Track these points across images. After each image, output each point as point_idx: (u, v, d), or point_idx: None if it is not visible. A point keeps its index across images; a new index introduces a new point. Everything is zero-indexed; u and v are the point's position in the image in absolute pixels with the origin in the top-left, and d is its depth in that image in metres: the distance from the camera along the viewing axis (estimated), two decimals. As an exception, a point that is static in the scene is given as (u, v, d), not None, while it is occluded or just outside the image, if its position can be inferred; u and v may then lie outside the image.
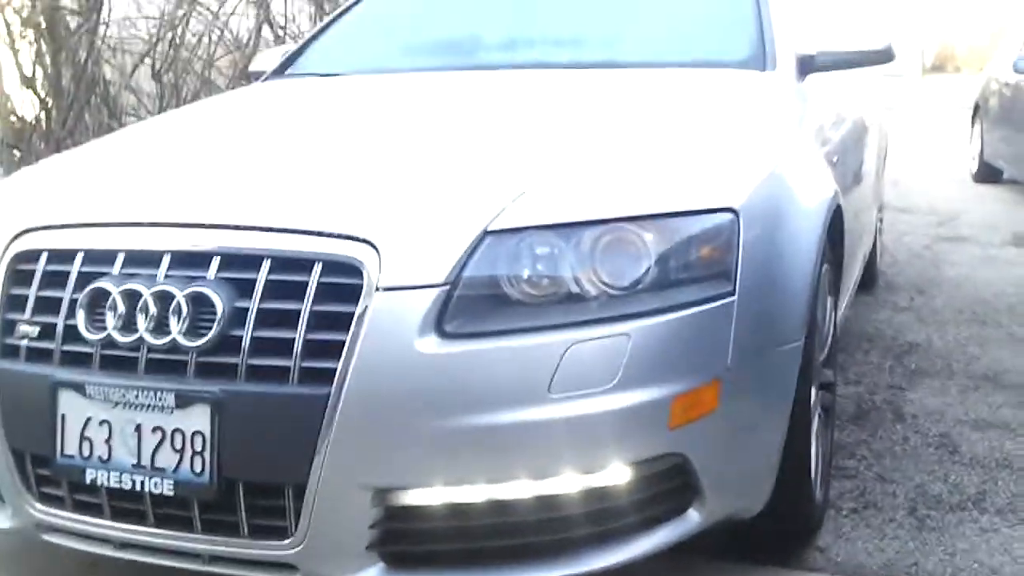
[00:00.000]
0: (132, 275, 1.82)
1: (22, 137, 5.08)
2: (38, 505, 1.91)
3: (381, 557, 1.74)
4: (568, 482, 1.73)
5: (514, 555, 1.77)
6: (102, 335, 1.79)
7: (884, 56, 2.92)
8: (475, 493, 1.71)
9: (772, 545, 2.25)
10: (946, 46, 36.57)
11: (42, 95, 5.00)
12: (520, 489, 1.72)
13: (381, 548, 1.74)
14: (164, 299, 1.76)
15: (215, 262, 1.78)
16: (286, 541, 1.73)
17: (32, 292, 1.90)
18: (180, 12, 5.63)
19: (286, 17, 7.10)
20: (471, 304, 1.73)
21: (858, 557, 2.27)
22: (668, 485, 1.83)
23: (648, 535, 1.82)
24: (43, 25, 4.96)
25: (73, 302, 1.84)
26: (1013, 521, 2.44)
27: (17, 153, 5.01)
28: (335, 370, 1.68)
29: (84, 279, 1.85)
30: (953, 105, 16.01)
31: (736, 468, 1.93)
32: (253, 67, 3.64)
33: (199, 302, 1.75)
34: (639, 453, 1.76)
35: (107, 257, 1.86)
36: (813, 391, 2.24)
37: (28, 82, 4.94)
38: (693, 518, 1.86)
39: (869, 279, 4.67)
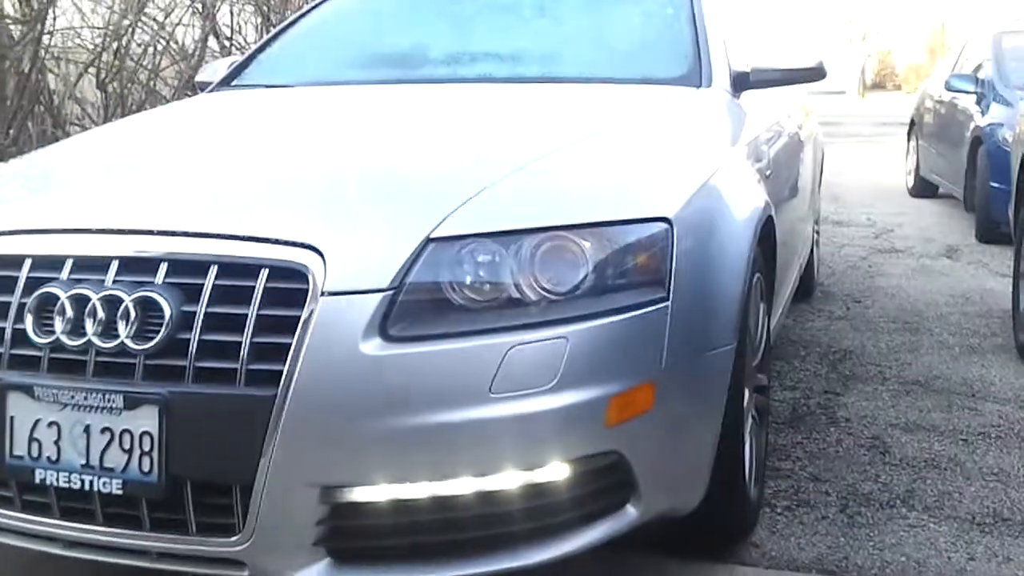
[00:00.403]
0: (80, 280, 1.85)
1: (-37, 146, 5.02)
2: (-14, 506, 1.93)
3: (328, 553, 1.79)
4: (509, 479, 1.79)
5: (457, 550, 1.82)
6: (51, 339, 1.82)
7: (816, 74, 3.04)
8: (419, 490, 1.77)
9: (708, 541, 2.33)
10: (885, 64, 37.37)
11: (-16, 104, 4.96)
12: (462, 486, 1.77)
13: (328, 544, 1.78)
14: (112, 303, 1.80)
15: (163, 267, 1.82)
16: (234, 538, 1.77)
17: (-21, 297, 1.92)
18: (126, 22, 5.62)
19: (232, 28, 7.13)
20: (415, 308, 1.78)
21: (791, 552, 2.36)
22: (606, 482, 1.90)
23: (587, 530, 1.88)
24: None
25: (21, 306, 1.86)
26: (940, 517, 2.54)
27: (-42, 163, 4.95)
28: (282, 372, 1.72)
29: (32, 284, 1.87)
30: (891, 122, 16.37)
31: (671, 466, 2.00)
32: (200, 78, 3.66)
33: (147, 306, 1.78)
34: (577, 450, 1.83)
35: (55, 263, 1.89)
36: (746, 393, 2.33)
37: (-30, 91, 4.90)
38: (630, 514, 1.93)
39: (806, 289, 4.80)
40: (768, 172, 2.87)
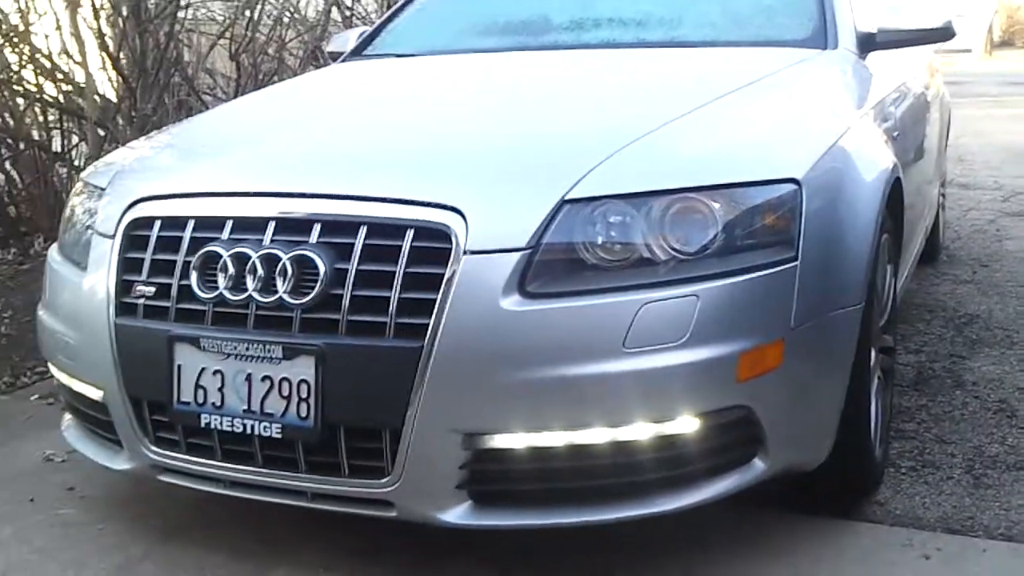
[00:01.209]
0: (240, 239, 1.99)
1: (107, 116, 5.30)
2: (154, 448, 2.10)
3: (469, 496, 1.91)
4: (641, 430, 1.87)
5: (590, 496, 1.92)
6: (214, 294, 1.97)
7: (944, 34, 3.00)
8: (554, 438, 1.86)
9: (833, 498, 2.37)
10: (1014, 20, 35.70)
11: (126, 76, 5.21)
12: (596, 436, 1.86)
13: (469, 487, 1.90)
14: (271, 261, 1.93)
15: (316, 228, 1.95)
16: (383, 480, 1.90)
17: (148, 256, 2.08)
18: (256, -5, 5.83)
19: (353, -1, 7.28)
20: (550, 267, 1.87)
21: (916, 511, 2.38)
22: (734, 435, 1.96)
23: (716, 482, 1.96)
24: (125, 10, 5.17)
25: (186, 264, 2.02)
26: (1068, 480, 2.53)
27: (102, 132, 5.23)
28: (427, 326, 1.83)
29: (196, 244, 2.03)
30: (1019, 81, 15.73)
31: (798, 422, 2.05)
32: (331, 48, 3.80)
33: (303, 264, 1.91)
34: (708, 404, 1.89)
35: (217, 224, 2.03)
36: (873, 354, 2.35)
37: (115, 63, 5.16)
38: (758, 467, 1.99)
39: (931, 252, 4.72)
40: (895, 134, 2.86)
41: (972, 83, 16.88)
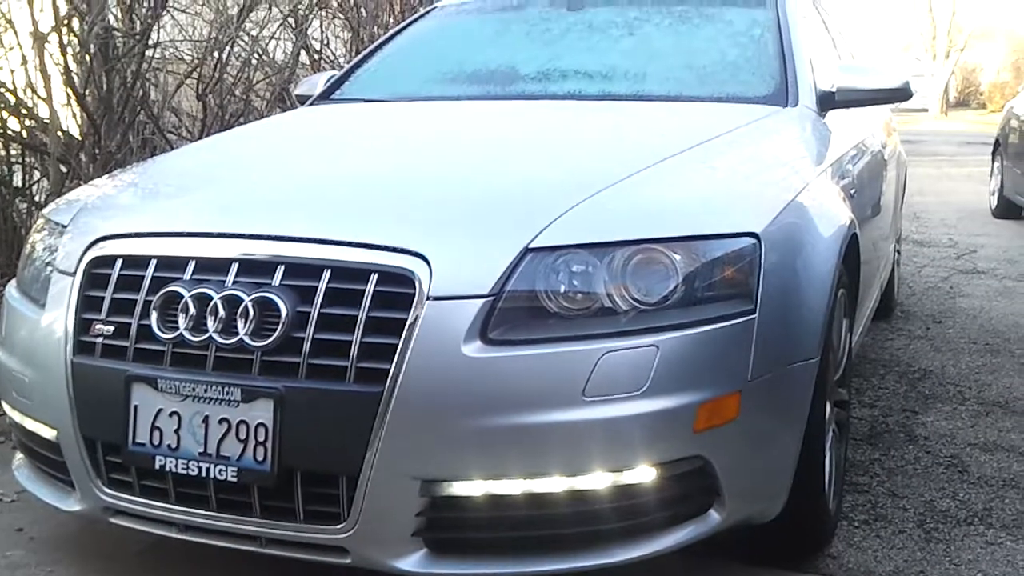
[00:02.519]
0: (202, 280, 1.98)
1: (70, 152, 5.26)
2: (107, 490, 2.07)
3: (425, 543, 1.90)
4: (599, 479, 1.88)
5: (547, 546, 1.91)
6: (174, 334, 1.96)
7: (902, 94, 3.08)
8: (513, 487, 1.86)
9: (787, 550, 2.38)
10: (969, 81, 36.60)
11: (91, 112, 5.19)
12: (554, 484, 1.87)
13: (425, 535, 1.89)
14: (232, 303, 1.93)
15: (280, 270, 1.95)
16: (339, 526, 1.88)
17: (108, 294, 2.07)
18: (224, 37, 5.84)
19: (321, 42, 7.33)
20: (513, 314, 1.89)
21: (867, 564, 2.40)
22: (691, 486, 1.97)
23: (672, 532, 1.96)
24: (92, 47, 5.16)
25: (147, 304, 2.01)
26: (1018, 536, 2.56)
27: (64, 168, 5.20)
28: (388, 371, 1.84)
29: (157, 283, 2.02)
30: (974, 141, 16.09)
31: (754, 474, 2.07)
32: (298, 91, 3.81)
33: (265, 306, 1.91)
34: (665, 455, 1.91)
35: (179, 263, 2.03)
36: (828, 407, 2.39)
37: (80, 100, 5.14)
38: (714, 518, 2.00)
39: (886, 308, 4.80)
40: (853, 190, 2.92)
41: (929, 142, 17.26)
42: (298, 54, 6.60)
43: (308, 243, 1.98)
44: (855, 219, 2.63)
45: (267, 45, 6.51)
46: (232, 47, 5.93)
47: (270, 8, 6.49)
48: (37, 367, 2.15)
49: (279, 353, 1.89)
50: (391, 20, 7.41)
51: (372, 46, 3.89)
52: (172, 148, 4.59)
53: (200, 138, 4.95)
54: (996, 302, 5.39)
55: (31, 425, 2.23)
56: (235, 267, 1.98)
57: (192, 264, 2.02)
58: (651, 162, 2.30)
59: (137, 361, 2.00)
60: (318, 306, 1.89)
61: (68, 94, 5.23)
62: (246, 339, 1.90)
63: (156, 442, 1.96)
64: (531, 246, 1.92)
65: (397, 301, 1.87)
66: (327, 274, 1.92)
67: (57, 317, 2.12)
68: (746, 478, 2.05)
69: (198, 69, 5.87)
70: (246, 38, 6.46)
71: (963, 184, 11.34)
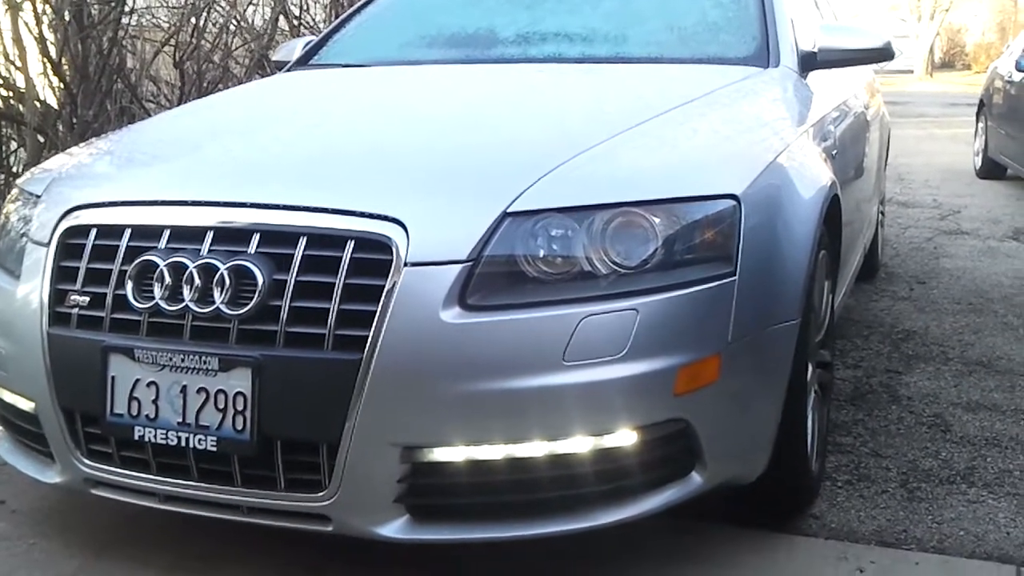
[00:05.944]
0: (177, 249, 1.96)
1: (47, 122, 5.21)
2: (86, 461, 2.06)
3: (407, 510, 1.89)
4: (580, 443, 1.87)
5: (529, 510, 1.91)
6: (150, 304, 1.94)
7: (883, 54, 3.06)
8: (493, 452, 1.86)
9: (770, 511, 2.39)
10: (955, 42, 36.55)
11: (67, 81, 5.13)
12: (535, 449, 1.86)
13: (407, 501, 1.89)
14: (208, 271, 1.91)
15: (255, 238, 1.93)
16: (320, 494, 1.88)
17: (83, 264, 2.05)
18: (201, 3, 5.77)
19: (300, 7, 7.24)
20: (491, 280, 1.87)
21: (851, 524, 2.41)
22: (672, 448, 1.97)
23: (654, 495, 1.97)
24: (67, 15, 5.09)
25: (122, 274, 1.99)
26: (999, 494, 2.58)
27: (41, 138, 5.14)
28: (366, 338, 1.82)
29: (132, 252, 2.00)
30: (959, 102, 16.08)
31: (735, 436, 2.07)
32: (276, 57, 3.78)
33: (241, 274, 1.89)
34: (645, 418, 1.90)
35: (153, 232, 2.01)
36: (810, 368, 2.39)
37: (56, 69, 5.08)
38: (695, 480, 2.01)
39: (870, 269, 4.81)
40: (834, 152, 2.90)
41: (914, 103, 17.24)
42: (277, 19, 6.52)
43: (284, 210, 1.95)
44: (837, 180, 2.62)
45: (245, 11, 6.44)
46: (210, 13, 5.85)
47: (248, -27, 6.42)
48: (13, 339, 2.13)
49: (256, 321, 1.88)
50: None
51: (350, 10, 3.84)
52: (150, 116, 4.54)
53: (178, 106, 4.90)
54: (979, 262, 5.40)
55: (9, 397, 2.21)
56: (210, 235, 1.96)
57: (167, 233, 2.00)
58: (630, 124, 2.28)
59: (113, 331, 1.99)
60: (295, 274, 1.88)
61: (44, 63, 5.17)
62: (222, 308, 1.89)
63: (134, 413, 1.95)
64: (509, 211, 1.91)
65: (374, 268, 1.85)
66: (303, 241, 1.90)
67: (32, 288, 2.10)
68: (727, 440, 2.05)
69: (175, 36, 5.81)
70: (224, 4, 6.39)
71: (948, 145, 11.34)
